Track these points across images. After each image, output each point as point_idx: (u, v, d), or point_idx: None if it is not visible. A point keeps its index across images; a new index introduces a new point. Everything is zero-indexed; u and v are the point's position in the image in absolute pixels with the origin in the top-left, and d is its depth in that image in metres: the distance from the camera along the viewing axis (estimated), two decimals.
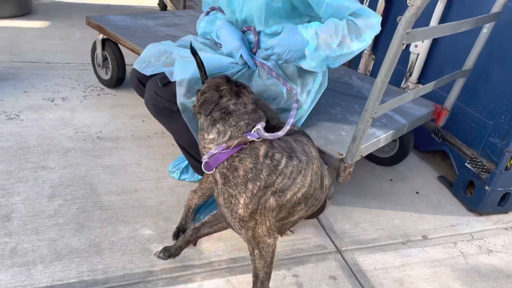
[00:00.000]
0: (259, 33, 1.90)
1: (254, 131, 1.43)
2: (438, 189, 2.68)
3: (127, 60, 3.11)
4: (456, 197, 2.61)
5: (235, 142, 1.40)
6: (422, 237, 2.26)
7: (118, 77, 3.13)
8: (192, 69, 1.77)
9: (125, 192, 2.20)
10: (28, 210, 2.00)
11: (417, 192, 2.62)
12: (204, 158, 1.45)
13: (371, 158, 2.83)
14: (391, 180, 2.69)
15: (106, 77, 3.20)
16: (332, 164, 1.91)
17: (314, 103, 2.07)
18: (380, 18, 1.80)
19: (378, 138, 2.09)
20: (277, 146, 1.47)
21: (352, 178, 2.60)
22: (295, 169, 1.46)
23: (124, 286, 1.72)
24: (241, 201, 1.40)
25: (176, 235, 1.95)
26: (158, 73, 1.93)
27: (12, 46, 3.65)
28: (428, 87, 2.06)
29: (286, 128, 1.49)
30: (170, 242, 1.93)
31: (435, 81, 2.10)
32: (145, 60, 1.98)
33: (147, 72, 1.95)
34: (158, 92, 1.89)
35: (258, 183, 1.39)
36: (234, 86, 1.55)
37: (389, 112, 2.35)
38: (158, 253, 1.83)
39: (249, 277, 1.83)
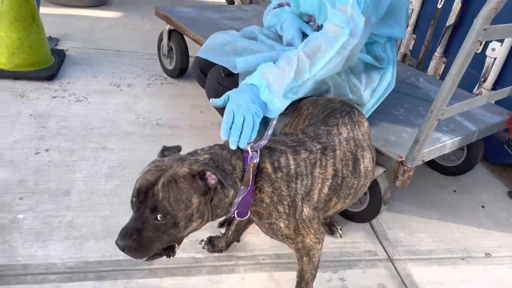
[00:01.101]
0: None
1: (248, 151, 1.29)
2: (507, 206, 2.46)
3: (190, 52, 3.17)
4: None
5: (250, 175, 1.27)
6: (485, 254, 2.08)
7: (181, 68, 3.20)
8: (254, 63, 1.74)
9: None
10: (87, 187, 2.09)
11: (482, 207, 2.42)
12: (233, 211, 1.32)
13: (434, 166, 2.66)
14: (455, 191, 2.51)
15: (170, 67, 3.28)
16: (391, 166, 1.81)
17: (379, 103, 1.97)
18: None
19: (444, 144, 1.95)
20: (278, 148, 1.37)
21: (411, 185, 2.47)
22: (307, 163, 1.37)
23: (169, 269, 1.74)
24: (282, 225, 1.35)
25: (221, 224, 1.95)
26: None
27: (87, 34, 3.85)
28: (504, 92, 1.90)
29: (266, 138, 1.35)
30: (217, 232, 1.93)
31: None
32: (209, 48, 1.99)
33: (210, 59, 1.95)
34: (220, 82, 1.89)
35: (285, 201, 1.32)
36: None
37: (457, 117, 2.19)
38: (203, 243, 1.84)
39: (292, 275, 1.78)
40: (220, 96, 1.89)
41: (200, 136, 2.64)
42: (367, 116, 1.95)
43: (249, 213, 1.35)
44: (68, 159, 2.26)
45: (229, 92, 1.46)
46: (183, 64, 3.18)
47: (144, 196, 1.14)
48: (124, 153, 2.38)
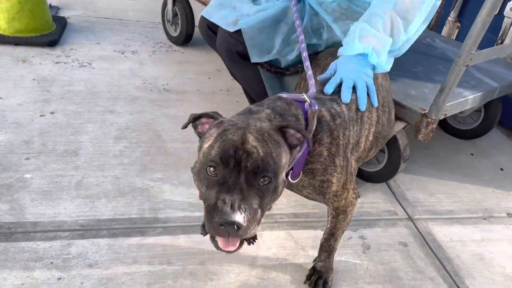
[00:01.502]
0: None
1: (305, 99, 1.21)
2: None
3: (196, 17, 3.06)
4: None
5: (314, 123, 1.15)
6: (507, 214, 2.02)
7: (187, 34, 3.10)
8: (256, 23, 1.70)
9: (189, 141, 2.15)
10: (95, 149, 2.01)
11: (501, 169, 2.36)
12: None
13: (450, 130, 2.58)
14: (472, 155, 2.45)
15: (175, 34, 3.18)
16: (413, 119, 1.74)
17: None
18: None
19: (466, 98, 1.88)
20: (323, 97, 1.30)
21: (427, 149, 2.41)
22: (356, 106, 1.31)
23: (184, 227, 1.68)
24: (334, 180, 1.23)
25: None
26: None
27: (89, 3, 3.73)
28: None
29: (313, 87, 1.30)
30: None
31: None
32: (216, 4, 1.90)
33: (216, 17, 1.86)
34: (233, 35, 1.80)
35: (341, 152, 1.22)
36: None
37: (478, 74, 2.12)
38: None
39: (310, 233, 1.74)
40: (232, 49, 1.82)
41: (209, 101, 2.56)
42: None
43: (301, 174, 1.21)
44: (74, 121, 2.18)
45: (335, 63, 1.42)
46: (189, 30, 3.08)
47: (234, 160, 0.96)
48: (132, 116, 2.30)
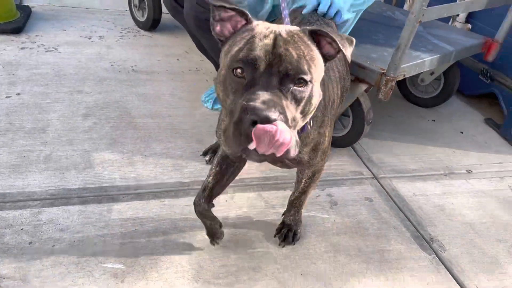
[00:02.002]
0: None
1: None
2: (485, 131, 2.52)
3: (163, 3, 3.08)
4: (504, 138, 2.44)
5: None
6: (466, 171, 2.12)
7: (154, 19, 3.10)
8: None
9: (159, 116, 2.18)
10: (63, 126, 2.01)
11: (461, 132, 2.47)
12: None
13: (413, 99, 2.68)
14: (434, 121, 2.55)
15: (142, 19, 3.18)
16: (373, 79, 1.81)
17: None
18: None
19: (423, 60, 1.96)
20: None
21: (392, 117, 2.50)
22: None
23: (155, 193, 1.70)
24: (326, 133, 1.24)
25: (205, 152, 1.92)
26: None
27: None
28: (483, 2, 1.91)
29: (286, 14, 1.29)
30: (201, 160, 1.90)
31: None
32: None
33: None
34: (200, 2, 1.83)
35: (328, 108, 1.24)
36: None
37: (435, 40, 2.21)
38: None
39: (279, 193, 1.80)
40: (201, 17, 1.85)
41: (179, 80, 2.58)
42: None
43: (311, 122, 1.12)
44: (42, 101, 2.17)
45: None
46: (156, 15, 3.09)
47: (265, 64, 0.86)
48: (100, 95, 2.30)
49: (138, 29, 3.23)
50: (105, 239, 1.46)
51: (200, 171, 1.85)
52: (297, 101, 0.88)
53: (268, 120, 0.79)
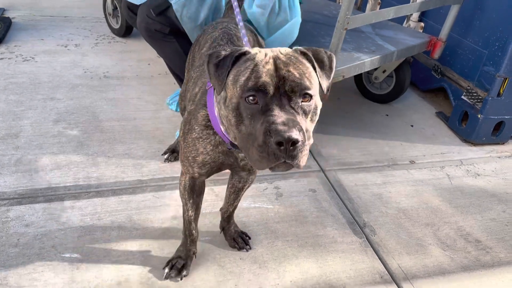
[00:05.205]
0: None
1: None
2: (435, 124, 2.69)
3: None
4: (452, 129, 2.61)
5: None
6: (410, 161, 2.29)
7: (127, 26, 3.28)
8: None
9: (124, 119, 2.35)
10: (35, 131, 2.19)
11: (411, 126, 2.63)
12: None
13: (370, 96, 2.85)
14: (387, 115, 2.72)
15: (117, 26, 3.35)
16: None
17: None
18: None
19: (363, 61, 2.13)
20: None
21: (345, 112, 2.66)
22: None
23: (114, 190, 1.88)
24: None
25: (165, 152, 2.09)
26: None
27: (33, 4, 3.87)
28: (413, 6, 2.07)
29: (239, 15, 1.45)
30: (161, 159, 2.07)
31: (421, 0, 2.10)
32: None
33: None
34: (149, 15, 2.01)
35: None
36: None
37: (380, 41, 2.38)
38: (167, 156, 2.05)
39: None
40: (151, 28, 2.03)
41: (147, 84, 2.75)
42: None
43: None
44: (16, 109, 2.34)
45: None
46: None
47: (273, 87, 0.98)
48: (72, 101, 2.47)
49: (113, 35, 3.40)
50: (65, 233, 1.64)
51: (158, 169, 2.02)
52: (306, 114, 1.01)
53: (290, 141, 0.92)
